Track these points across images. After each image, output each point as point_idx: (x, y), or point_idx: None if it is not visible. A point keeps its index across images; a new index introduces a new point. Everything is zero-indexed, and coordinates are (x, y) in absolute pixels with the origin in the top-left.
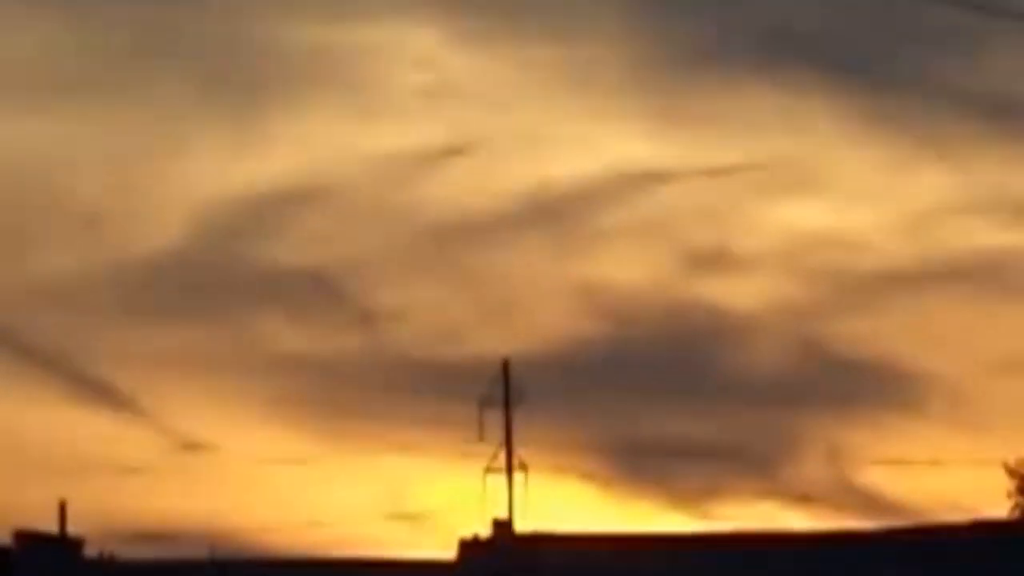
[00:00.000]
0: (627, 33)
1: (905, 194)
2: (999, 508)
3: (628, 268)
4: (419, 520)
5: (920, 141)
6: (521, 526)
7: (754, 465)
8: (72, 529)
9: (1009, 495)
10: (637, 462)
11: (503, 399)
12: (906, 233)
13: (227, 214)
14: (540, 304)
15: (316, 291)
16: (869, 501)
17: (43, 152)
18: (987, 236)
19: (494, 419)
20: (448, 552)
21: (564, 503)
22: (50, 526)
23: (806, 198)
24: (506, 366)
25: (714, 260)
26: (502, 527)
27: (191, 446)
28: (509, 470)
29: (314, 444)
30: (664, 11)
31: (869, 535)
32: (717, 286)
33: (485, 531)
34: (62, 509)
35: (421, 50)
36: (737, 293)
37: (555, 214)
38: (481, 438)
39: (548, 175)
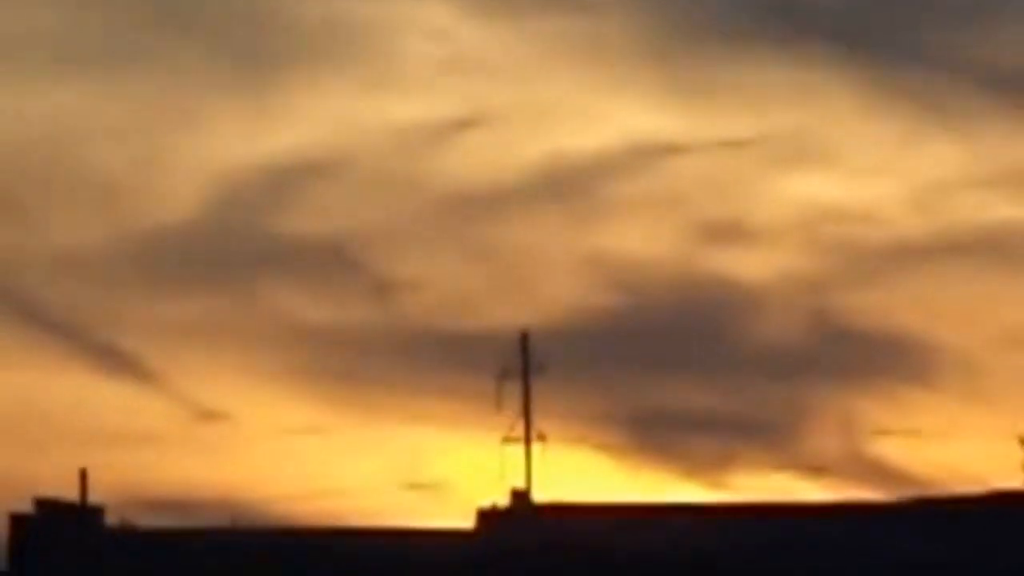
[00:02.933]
0: (641, 5)
1: (917, 167)
2: (1012, 480)
3: (642, 240)
4: (437, 490)
5: (932, 114)
6: (539, 496)
7: (768, 436)
8: (92, 497)
9: (1022, 466)
10: (652, 433)
11: (520, 370)
12: (918, 206)
13: (244, 185)
14: (554, 276)
15: (333, 262)
16: (882, 472)
17: (61, 124)
18: (999, 209)
19: (511, 390)
20: (466, 522)
21: (581, 473)
22: (71, 494)
23: (818, 171)
24: (525, 337)
25: (727, 232)
26: (520, 497)
27: (209, 415)
28: (527, 440)
29: (332, 414)
30: None
31: (882, 506)
32: (730, 258)
33: (503, 501)
34: (83, 477)
35: (436, 22)
36: (750, 265)
37: (569, 186)
38: (499, 409)
39: (562, 147)
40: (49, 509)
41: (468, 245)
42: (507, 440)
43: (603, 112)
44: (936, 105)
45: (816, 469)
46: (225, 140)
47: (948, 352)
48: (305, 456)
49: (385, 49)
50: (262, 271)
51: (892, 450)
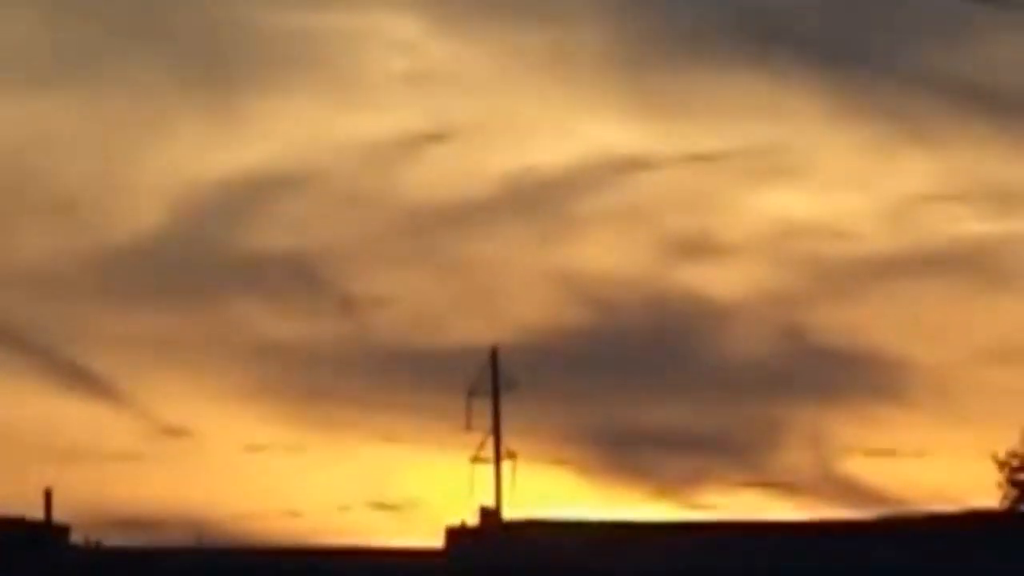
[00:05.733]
0: (610, 19)
1: (889, 182)
2: (985, 498)
3: (610, 256)
4: (405, 509)
5: (904, 129)
6: (509, 515)
7: (739, 454)
8: (58, 516)
9: (999, 486)
10: (622, 450)
11: (489, 387)
12: (890, 221)
13: (207, 200)
14: (522, 292)
15: (298, 278)
16: (855, 491)
17: (21, 137)
18: (972, 224)
19: (481, 408)
20: (435, 541)
21: (551, 492)
22: (36, 513)
23: (789, 186)
24: (494, 354)
25: (697, 248)
26: (489, 516)
27: (174, 433)
28: (497, 458)
29: (299, 432)
30: None
31: (856, 525)
32: (701, 274)
33: (472, 520)
34: (48, 496)
35: (402, 36)
36: (720, 281)
37: (537, 201)
38: (468, 427)
39: (530, 162)
40: (14, 528)
41: (435, 261)
42: (476, 458)
43: (572, 126)
44: (908, 119)
45: (788, 487)
46: (189, 154)
47: (922, 369)
48: (271, 474)
49: (350, 62)
50: (227, 287)
51: (865, 468)
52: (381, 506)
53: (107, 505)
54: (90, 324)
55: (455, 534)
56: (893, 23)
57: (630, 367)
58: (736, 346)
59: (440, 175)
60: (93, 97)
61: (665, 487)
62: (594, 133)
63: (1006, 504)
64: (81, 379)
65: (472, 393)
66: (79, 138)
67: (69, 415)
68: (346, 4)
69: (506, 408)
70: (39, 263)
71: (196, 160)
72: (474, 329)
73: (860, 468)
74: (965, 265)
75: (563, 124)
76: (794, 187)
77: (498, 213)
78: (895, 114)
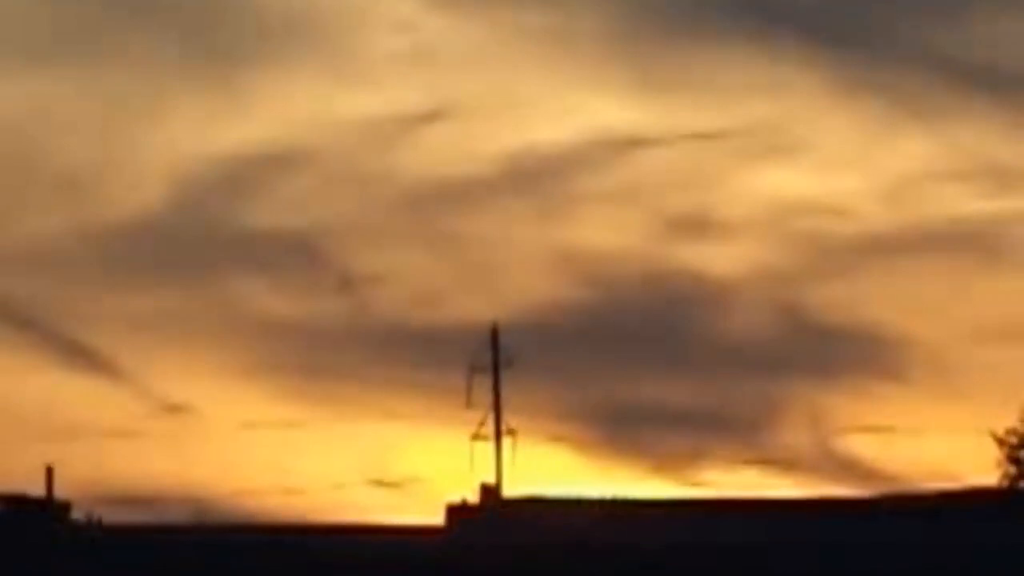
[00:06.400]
0: None
1: (887, 161)
2: (982, 476)
3: (609, 234)
4: (406, 486)
5: (903, 108)
6: (509, 492)
7: (739, 432)
8: (59, 493)
9: (998, 464)
10: (622, 428)
11: (490, 364)
12: (888, 200)
13: (207, 178)
14: (521, 269)
15: (299, 256)
16: (854, 468)
17: (22, 116)
18: (969, 203)
19: (481, 385)
20: (435, 518)
21: (551, 469)
22: (37, 490)
23: (788, 164)
24: (495, 331)
25: (697, 226)
26: (490, 493)
27: (175, 410)
28: (498, 435)
29: (299, 409)
30: None
31: (854, 502)
32: (700, 252)
33: (473, 497)
34: (49, 473)
35: (400, 14)
36: (720, 259)
37: (536, 179)
38: (469, 404)
39: (529, 140)
40: (16, 505)
41: (436, 239)
42: (477, 436)
43: (571, 105)
44: (907, 99)
45: (787, 465)
46: (190, 134)
47: (920, 347)
48: (272, 451)
49: (350, 41)
50: (228, 265)
51: (864, 446)
52: (381, 483)
53: (108, 482)
54: (91, 302)
55: (455, 511)
56: (893, 4)
57: (629, 345)
58: (735, 324)
59: (439, 153)
60: (94, 76)
61: (664, 464)
62: (594, 111)
63: (1005, 482)
64: (82, 357)
65: (473, 371)
66: (80, 116)
67: (70, 392)
68: None
69: (506, 385)
70: (41, 241)
71: (196, 138)
72: (474, 306)
73: (859, 446)
74: (964, 243)
75: (562, 102)
76: (793, 165)
77: (497, 191)
78: (894, 93)
